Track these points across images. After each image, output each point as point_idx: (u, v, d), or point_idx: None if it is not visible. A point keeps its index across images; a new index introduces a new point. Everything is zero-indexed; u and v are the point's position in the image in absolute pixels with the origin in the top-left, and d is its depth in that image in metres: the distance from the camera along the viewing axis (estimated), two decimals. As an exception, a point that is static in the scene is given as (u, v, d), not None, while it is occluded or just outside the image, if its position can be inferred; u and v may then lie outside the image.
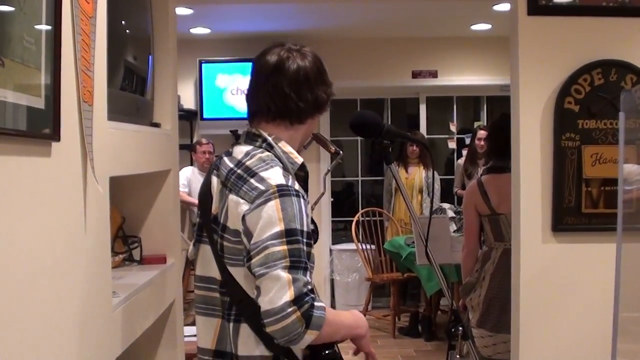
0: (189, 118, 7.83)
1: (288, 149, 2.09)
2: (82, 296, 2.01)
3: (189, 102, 7.90)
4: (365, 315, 7.14)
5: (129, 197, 3.12)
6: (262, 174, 1.96)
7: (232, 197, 1.97)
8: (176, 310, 3.23)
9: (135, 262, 3.06)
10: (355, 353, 2.19)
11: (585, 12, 3.35)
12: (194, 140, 7.74)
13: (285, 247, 1.86)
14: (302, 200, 1.95)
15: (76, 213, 1.99)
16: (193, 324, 2.29)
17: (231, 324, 2.01)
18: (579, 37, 3.34)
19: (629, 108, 3.03)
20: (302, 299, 1.84)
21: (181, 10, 6.05)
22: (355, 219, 7.55)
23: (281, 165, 2.02)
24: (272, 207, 1.89)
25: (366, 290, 7.57)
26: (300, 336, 1.84)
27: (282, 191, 1.91)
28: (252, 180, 1.96)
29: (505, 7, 3.48)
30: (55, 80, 1.78)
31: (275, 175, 1.95)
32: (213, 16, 6.79)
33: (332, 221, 8.40)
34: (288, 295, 1.82)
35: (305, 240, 1.91)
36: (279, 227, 1.87)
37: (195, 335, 2.20)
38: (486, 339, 3.68)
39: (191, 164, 7.53)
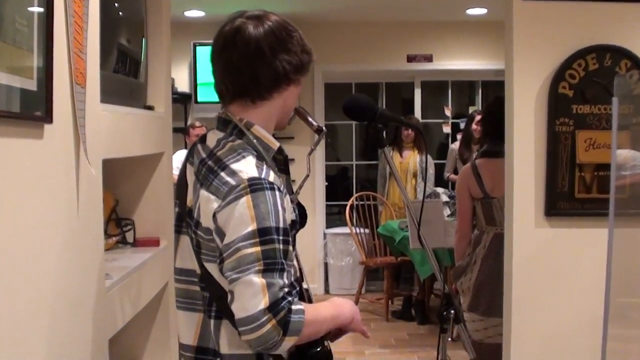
0: (183, 101, 7.83)
1: (261, 133, 1.93)
2: (74, 278, 2.01)
3: (183, 85, 7.90)
4: (358, 299, 7.25)
5: (122, 180, 3.12)
6: (233, 166, 1.82)
7: (203, 193, 1.83)
8: (169, 292, 3.23)
9: (129, 244, 3.07)
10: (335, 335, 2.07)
11: (580, -3, 3.36)
12: (188, 123, 7.73)
13: (258, 248, 1.73)
14: (277, 192, 1.80)
15: (69, 195, 1.98)
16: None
17: (212, 320, 1.89)
18: (574, 22, 3.34)
19: (622, 93, 3.04)
20: (278, 305, 1.71)
21: (175, -7, 6.03)
22: (349, 203, 7.57)
23: (254, 153, 1.87)
24: (244, 205, 1.75)
25: (360, 274, 7.59)
26: (278, 344, 1.73)
27: (254, 186, 1.77)
28: (222, 174, 1.81)
29: (502, -9, 3.48)
30: (48, 62, 1.77)
31: (247, 168, 1.81)
32: (207, -1, 6.76)
33: (327, 205, 8.42)
34: (262, 302, 1.70)
35: (281, 238, 1.77)
36: (251, 227, 1.73)
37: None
38: (477, 323, 3.70)
39: (185, 147, 7.52)
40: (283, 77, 1.93)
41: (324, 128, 2.43)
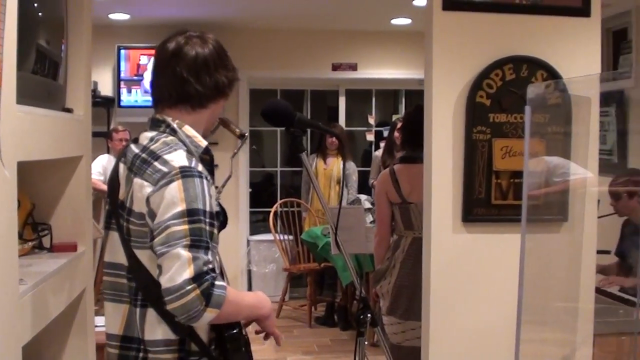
0: (106, 105, 7.70)
1: (192, 132, 2.13)
2: (-14, 282, 1.97)
3: (106, 88, 7.77)
4: (282, 306, 7.25)
5: (39, 184, 3.05)
6: (166, 156, 2.00)
7: (137, 181, 2.00)
8: (87, 299, 3.18)
9: (45, 249, 3.00)
10: (257, 332, 2.24)
11: (499, 9, 3.44)
12: (111, 127, 7.62)
13: (186, 226, 1.89)
14: (205, 181, 1.98)
15: (-19, 198, 1.94)
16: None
17: (138, 309, 2.04)
18: (492, 33, 3.42)
19: (536, 102, 3.13)
20: (202, 277, 1.86)
21: (99, -5, 5.98)
22: (273, 209, 7.57)
23: (185, 148, 2.06)
24: (175, 188, 1.92)
25: (283, 280, 7.60)
26: (200, 314, 1.86)
27: (184, 172, 1.95)
28: (155, 163, 1.99)
29: (424, 2, 3.54)
30: (-40, 61, 1.73)
31: (178, 158, 1.99)
32: (132, 2, 6.68)
33: (251, 212, 8.39)
34: (188, 272, 1.84)
35: (207, 220, 1.94)
36: (181, 207, 1.90)
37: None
38: (395, 326, 3.75)
39: (108, 152, 7.40)
40: (221, 89, 2.18)
41: (246, 134, 2.55)
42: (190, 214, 1.91)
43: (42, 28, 2.80)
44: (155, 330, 2.02)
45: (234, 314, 2.01)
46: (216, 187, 2.26)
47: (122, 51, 7.63)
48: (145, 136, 2.13)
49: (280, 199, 7.98)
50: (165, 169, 1.97)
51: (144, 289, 2.02)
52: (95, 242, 4.49)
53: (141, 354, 2.06)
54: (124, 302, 2.08)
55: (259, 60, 7.87)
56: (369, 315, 2.25)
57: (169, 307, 1.86)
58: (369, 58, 8.22)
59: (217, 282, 1.89)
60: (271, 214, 7.53)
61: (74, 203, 3.11)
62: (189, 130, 2.13)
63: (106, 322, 2.16)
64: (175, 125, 2.11)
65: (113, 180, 2.15)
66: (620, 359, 3.67)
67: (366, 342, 2.29)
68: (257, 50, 7.89)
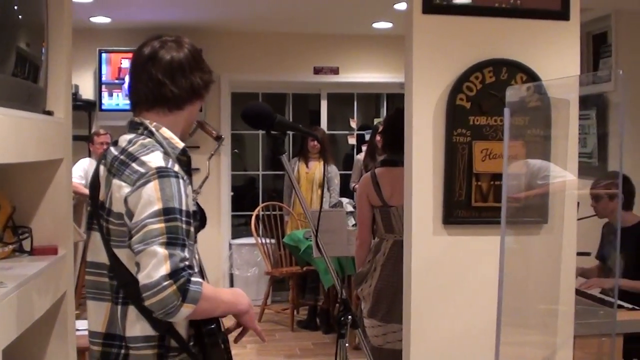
0: (87, 109, 7.68)
1: (169, 134, 2.19)
2: (-35, 285, 1.96)
3: (88, 92, 7.74)
4: (264, 310, 7.25)
5: (20, 186, 3.04)
6: (143, 158, 2.06)
7: (116, 182, 2.06)
8: (67, 302, 3.17)
9: (26, 253, 2.99)
10: (233, 328, 2.27)
11: (479, 12, 3.44)
12: (92, 130, 7.59)
13: (162, 224, 1.94)
14: (181, 181, 2.04)
15: (-40, 200, 1.94)
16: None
17: (119, 307, 2.10)
18: (472, 36, 3.43)
19: (516, 105, 3.15)
20: (179, 274, 1.91)
21: (80, -2, 5.97)
22: (255, 213, 7.57)
23: (162, 150, 2.13)
24: (152, 188, 1.99)
25: (266, 284, 7.59)
26: (177, 309, 1.91)
27: (161, 173, 2.02)
28: (133, 165, 2.06)
29: (405, 6, 3.56)
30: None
31: (155, 159, 2.06)
32: (114, 5, 6.66)
33: (233, 215, 8.39)
34: (164, 269, 1.90)
35: (184, 218, 1.99)
36: (158, 206, 1.96)
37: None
38: (376, 329, 3.76)
39: (89, 156, 7.37)
40: (197, 91, 2.25)
41: (222, 136, 2.62)
42: (167, 213, 1.96)
43: (22, 31, 2.80)
44: (136, 327, 2.08)
45: (210, 309, 2.06)
46: (194, 191, 2.29)
47: (104, 54, 7.61)
48: (124, 138, 2.19)
49: (263, 203, 7.98)
50: (142, 170, 2.03)
51: (125, 287, 2.07)
52: (76, 245, 4.48)
53: (123, 351, 2.11)
54: (105, 300, 2.13)
55: (240, 63, 7.88)
56: (349, 317, 2.26)
57: (147, 302, 1.91)
58: (351, 62, 8.25)
59: (193, 279, 1.94)
60: (253, 218, 7.53)
61: (55, 206, 3.11)
62: (165, 132, 2.19)
63: (89, 320, 2.22)
64: (152, 128, 2.17)
65: (94, 181, 2.20)
66: (601, 361, 3.70)
67: (347, 345, 2.30)
68: (238, 54, 7.90)
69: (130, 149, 2.11)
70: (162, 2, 6.61)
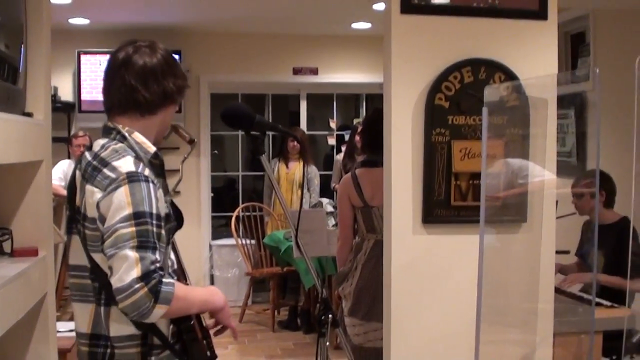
0: (66, 110, 7.64)
1: (141, 139, 2.22)
2: (-54, 287, 1.96)
3: (67, 94, 7.71)
4: (245, 311, 7.25)
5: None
6: (114, 163, 2.10)
7: (89, 187, 2.10)
8: (48, 304, 3.16)
9: (6, 254, 2.98)
10: (213, 325, 2.31)
11: (457, 12, 3.46)
12: (72, 132, 7.55)
13: (133, 228, 1.99)
14: (151, 185, 2.08)
15: (-60, 202, 1.93)
16: (70, 319, 2.32)
17: (102, 308, 2.15)
18: (451, 36, 3.45)
19: (494, 104, 3.17)
20: (150, 276, 1.95)
21: (59, 0, 5.92)
22: (235, 214, 7.57)
23: (134, 154, 2.16)
24: (122, 193, 2.03)
25: (246, 285, 7.59)
26: (150, 310, 1.96)
27: (131, 177, 2.05)
28: (104, 170, 2.10)
29: (384, 6, 3.57)
30: None
31: (125, 164, 2.10)
32: (92, 6, 6.62)
33: (213, 217, 8.37)
34: (135, 272, 1.94)
35: (154, 222, 2.04)
36: (128, 211, 2.00)
37: (71, 331, 2.28)
38: (357, 328, 3.78)
39: (68, 157, 7.33)
40: (169, 97, 2.27)
41: (195, 140, 2.66)
42: (137, 217, 2.00)
43: (0, 32, 2.79)
44: (119, 326, 2.13)
45: (185, 308, 2.10)
46: (172, 192, 2.33)
47: (82, 56, 7.57)
48: (98, 143, 2.22)
49: (243, 204, 7.97)
50: (113, 175, 2.07)
51: (106, 288, 2.09)
52: (56, 247, 4.45)
53: (109, 350, 2.16)
54: (90, 302, 2.17)
55: (219, 64, 7.87)
56: (330, 315, 2.28)
57: (120, 306, 1.96)
58: (330, 62, 8.26)
59: (165, 280, 1.98)
60: (233, 219, 7.53)
61: (35, 208, 3.10)
62: (138, 136, 2.22)
63: (75, 321, 2.27)
64: (125, 132, 2.20)
65: (71, 186, 2.24)
66: (580, 358, 3.73)
67: (328, 344, 2.31)
68: (217, 55, 7.89)
69: (102, 154, 2.15)
70: (141, 4, 6.59)
